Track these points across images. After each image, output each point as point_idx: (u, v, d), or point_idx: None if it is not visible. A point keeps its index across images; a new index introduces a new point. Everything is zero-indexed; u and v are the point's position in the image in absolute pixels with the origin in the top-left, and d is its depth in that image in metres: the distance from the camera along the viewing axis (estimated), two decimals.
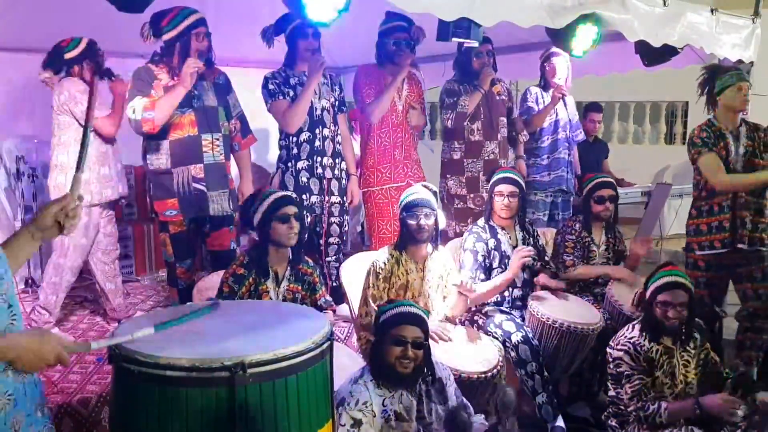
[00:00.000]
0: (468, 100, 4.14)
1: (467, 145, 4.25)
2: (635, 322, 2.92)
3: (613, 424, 2.98)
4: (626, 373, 2.77)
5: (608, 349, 2.88)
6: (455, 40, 3.03)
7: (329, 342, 1.82)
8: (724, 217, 3.57)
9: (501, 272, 3.42)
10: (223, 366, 1.60)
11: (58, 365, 1.57)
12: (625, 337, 2.85)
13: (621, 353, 2.80)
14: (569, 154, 4.81)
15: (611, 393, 2.91)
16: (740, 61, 4.11)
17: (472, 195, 4.26)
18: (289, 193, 2.87)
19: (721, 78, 3.56)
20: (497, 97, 4.31)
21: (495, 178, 3.52)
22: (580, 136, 5.00)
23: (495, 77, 4.19)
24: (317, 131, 3.74)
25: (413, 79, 4.21)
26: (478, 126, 4.23)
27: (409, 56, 3.93)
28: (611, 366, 2.84)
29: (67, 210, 1.71)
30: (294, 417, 1.70)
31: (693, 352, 2.90)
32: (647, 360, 2.79)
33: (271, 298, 2.73)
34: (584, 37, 3.46)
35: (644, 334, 2.84)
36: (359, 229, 5.79)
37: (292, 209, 2.76)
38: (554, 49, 4.49)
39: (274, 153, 4.07)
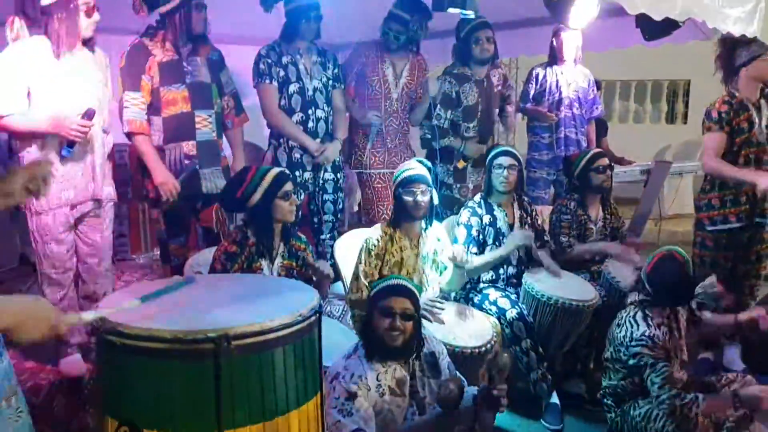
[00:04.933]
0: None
1: (461, 140, 4.11)
2: (631, 314, 2.87)
3: (609, 402, 2.97)
4: (650, 362, 2.71)
5: (622, 351, 2.81)
6: (451, 10, 2.98)
7: (317, 315, 1.79)
8: (741, 190, 3.54)
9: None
10: (207, 338, 1.56)
11: (52, 337, 1.51)
12: (638, 334, 2.76)
13: (638, 348, 2.74)
14: (577, 133, 4.70)
15: (610, 382, 2.91)
16: (744, 36, 4.05)
17: (458, 185, 4.16)
18: (283, 169, 2.82)
19: (747, 48, 3.53)
20: (494, 91, 4.17)
21: (493, 152, 3.48)
22: (596, 111, 4.90)
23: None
24: (310, 112, 3.70)
25: (417, 66, 4.10)
26: (474, 124, 4.11)
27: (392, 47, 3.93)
28: (631, 362, 2.77)
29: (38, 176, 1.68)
30: (281, 390, 1.68)
31: (683, 320, 2.93)
32: (664, 349, 2.77)
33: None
34: (583, 9, 3.41)
35: (647, 320, 2.80)
36: (356, 208, 5.77)
37: (290, 185, 2.74)
38: None
39: (265, 130, 4.01)
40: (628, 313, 2.89)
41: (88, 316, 1.63)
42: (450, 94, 4.01)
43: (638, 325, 2.81)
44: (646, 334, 2.75)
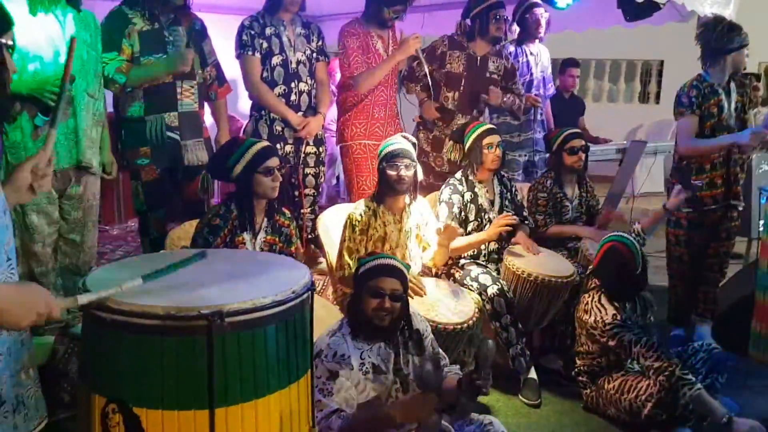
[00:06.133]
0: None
1: (440, 110, 4.05)
2: (596, 300, 2.96)
3: (584, 379, 3.04)
4: (633, 340, 2.78)
5: (601, 339, 2.88)
6: None
7: (310, 292, 1.78)
8: (716, 174, 3.61)
9: (477, 225, 3.42)
10: (201, 314, 1.55)
11: (44, 320, 1.45)
12: (608, 318, 2.87)
13: (616, 330, 2.83)
14: (541, 113, 4.72)
15: (585, 361, 2.99)
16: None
17: (434, 154, 4.11)
18: (270, 144, 2.79)
19: (740, 35, 3.54)
20: (486, 74, 4.09)
21: (479, 130, 3.48)
22: (551, 90, 4.93)
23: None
24: (293, 85, 3.64)
25: (398, 31, 4.04)
26: (454, 96, 4.04)
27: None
28: (611, 343, 2.85)
29: (38, 169, 1.64)
30: (273, 367, 1.67)
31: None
32: (637, 324, 2.86)
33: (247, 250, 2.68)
34: None
35: (613, 303, 2.91)
36: (335, 181, 5.74)
37: (275, 161, 2.70)
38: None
39: (245, 102, 3.95)
40: (592, 298, 2.97)
41: (84, 298, 1.56)
42: (436, 48, 4.02)
43: (605, 309, 2.89)
44: (618, 318, 2.84)
